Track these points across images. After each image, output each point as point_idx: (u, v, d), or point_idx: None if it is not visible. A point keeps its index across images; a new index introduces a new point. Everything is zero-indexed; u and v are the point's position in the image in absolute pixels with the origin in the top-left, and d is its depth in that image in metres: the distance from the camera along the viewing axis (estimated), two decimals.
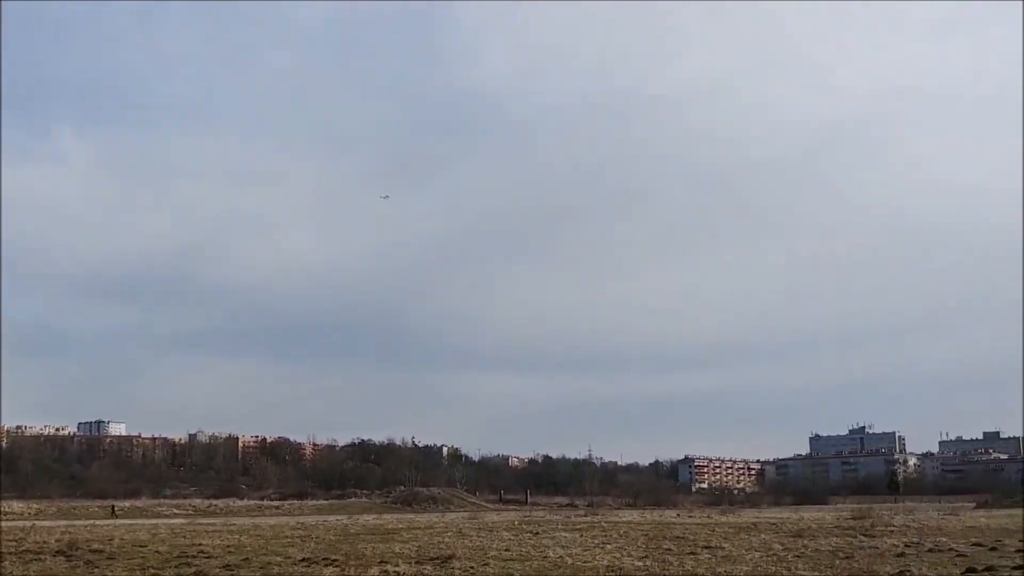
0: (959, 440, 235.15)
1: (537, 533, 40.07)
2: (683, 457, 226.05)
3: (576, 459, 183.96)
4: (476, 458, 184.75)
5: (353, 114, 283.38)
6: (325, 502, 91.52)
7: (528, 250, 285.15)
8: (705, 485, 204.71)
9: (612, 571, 23.43)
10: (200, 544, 34.26)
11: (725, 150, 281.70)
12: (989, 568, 21.97)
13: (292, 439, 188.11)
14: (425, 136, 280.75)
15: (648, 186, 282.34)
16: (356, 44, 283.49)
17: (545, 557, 27.53)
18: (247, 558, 28.21)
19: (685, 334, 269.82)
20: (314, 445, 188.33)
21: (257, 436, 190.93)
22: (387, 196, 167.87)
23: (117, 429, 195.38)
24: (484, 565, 25.04)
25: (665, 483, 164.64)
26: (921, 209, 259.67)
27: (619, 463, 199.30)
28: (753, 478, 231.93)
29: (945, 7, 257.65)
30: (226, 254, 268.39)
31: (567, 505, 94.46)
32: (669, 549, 30.32)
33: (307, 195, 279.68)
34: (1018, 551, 27.22)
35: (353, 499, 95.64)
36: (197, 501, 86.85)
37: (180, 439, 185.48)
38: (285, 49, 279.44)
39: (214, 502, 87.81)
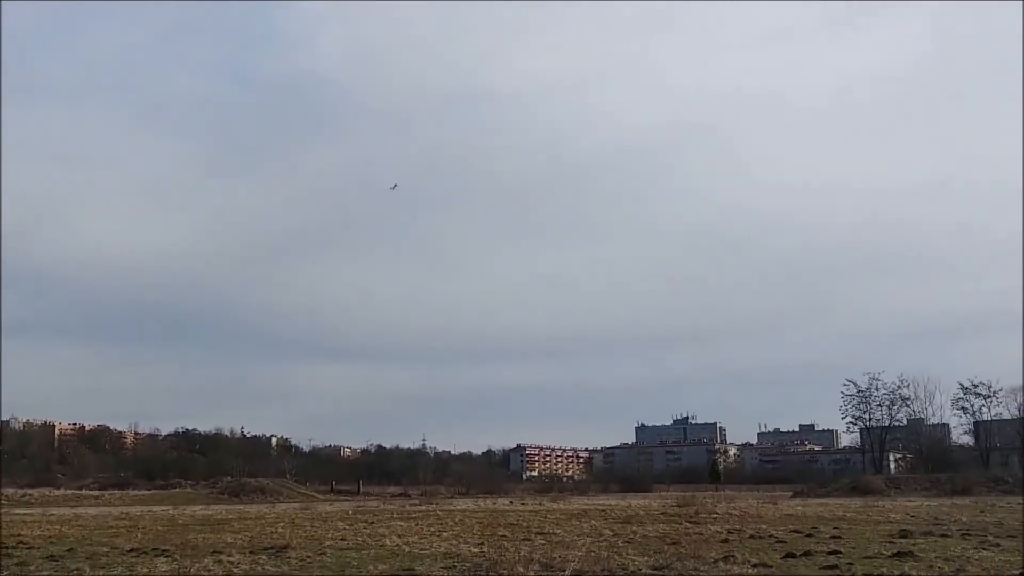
0: (776, 432, 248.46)
1: (372, 522, 39.92)
2: (515, 446, 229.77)
3: (409, 449, 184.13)
4: (307, 449, 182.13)
5: (186, 95, 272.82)
6: (148, 492, 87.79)
7: (364, 241, 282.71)
8: (536, 473, 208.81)
9: (450, 558, 23.67)
10: (20, 535, 32.45)
11: (562, 147, 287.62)
12: (806, 553, 23.42)
13: (112, 427, 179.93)
14: (261, 121, 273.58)
15: (483, 181, 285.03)
16: (190, 23, 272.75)
17: (382, 545, 27.51)
18: (71, 548, 26.96)
19: (518, 328, 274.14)
20: (136, 434, 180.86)
21: (75, 424, 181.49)
22: (395, 186, 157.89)
23: None
24: (320, 554, 24.78)
25: (497, 471, 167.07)
26: (749, 214, 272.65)
27: (452, 452, 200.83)
28: (582, 466, 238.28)
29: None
30: (46, 237, 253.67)
31: (401, 495, 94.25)
32: (504, 535, 30.88)
33: (137, 178, 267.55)
34: (832, 537, 29.19)
35: (178, 489, 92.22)
36: (11, 490, 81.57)
37: None
38: (116, 25, 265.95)
39: (29, 491, 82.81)
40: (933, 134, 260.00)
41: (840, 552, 23.80)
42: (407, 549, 26.25)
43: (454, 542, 28.13)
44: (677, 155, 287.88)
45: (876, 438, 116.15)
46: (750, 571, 20.52)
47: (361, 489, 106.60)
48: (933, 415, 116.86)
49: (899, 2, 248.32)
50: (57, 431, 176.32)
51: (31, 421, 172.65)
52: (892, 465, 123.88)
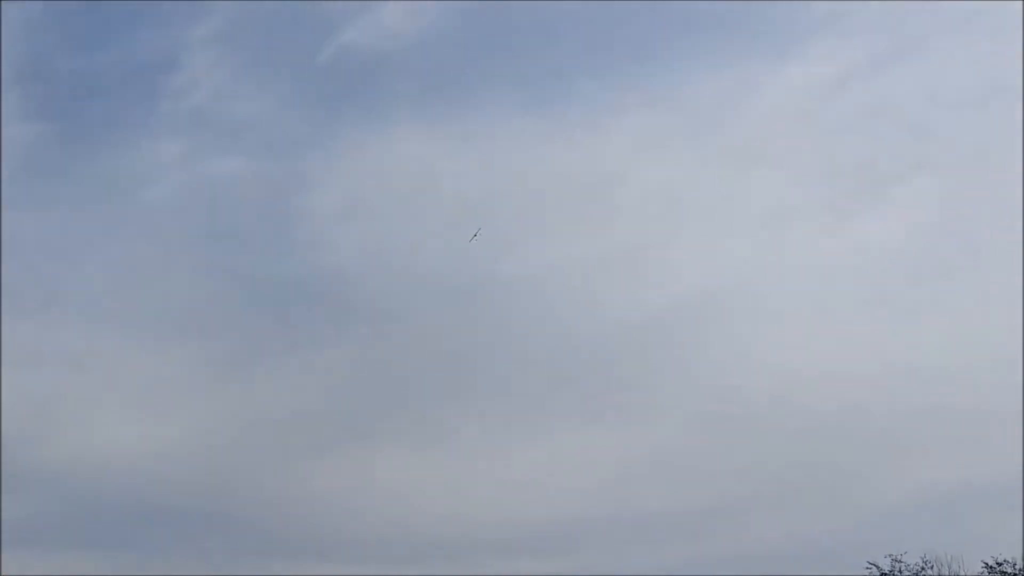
0: None
1: None
2: None
3: None
4: None
5: (198, 298, 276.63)
6: None
7: (372, 435, 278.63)
8: None
9: None
10: None
11: (574, 331, 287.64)
12: None
13: None
14: (272, 319, 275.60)
15: (492, 368, 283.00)
16: (208, 228, 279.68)
17: None
18: None
19: (528, 519, 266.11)
20: None
21: None
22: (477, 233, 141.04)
23: None
24: None
25: None
26: (758, 392, 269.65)
27: None
28: None
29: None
30: (47, 439, 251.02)
31: None
32: None
33: (142, 379, 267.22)
34: None
35: None
36: None
37: None
38: (129, 238, 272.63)
39: None
40: (943, 309, 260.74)
41: None
42: None
43: None
44: (689, 334, 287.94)
45: None
46: None
47: None
48: None
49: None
50: None
51: None
52: None
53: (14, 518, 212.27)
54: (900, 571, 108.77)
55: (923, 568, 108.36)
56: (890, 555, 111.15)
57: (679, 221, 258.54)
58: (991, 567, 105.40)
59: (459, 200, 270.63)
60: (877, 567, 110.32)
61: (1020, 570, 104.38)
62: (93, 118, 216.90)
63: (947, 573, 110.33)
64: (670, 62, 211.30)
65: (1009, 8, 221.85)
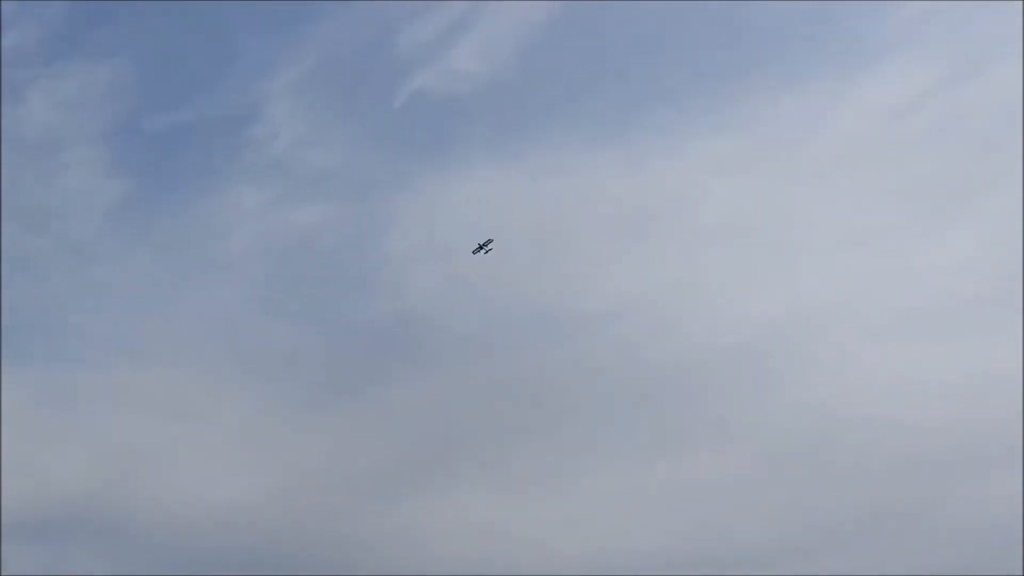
0: None
1: None
2: None
3: None
4: None
5: (281, 344, 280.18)
6: None
7: (454, 471, 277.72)
8: None
9: None
10: None
11: (645, 362, 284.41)
12: None
13: None
14: (355, 360, 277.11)
15: (571, 401, 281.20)
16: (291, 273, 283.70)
17: None
18: None
19: (602, 551, 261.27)
20: None
21: None
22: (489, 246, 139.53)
23: None
24: None
25: None
26: (833, 418, 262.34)
27: None
28: None
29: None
30: (138, 492, 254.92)
31: None
32: None
33: (229, 425, 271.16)
34: None
35: None
36: None
37: None
38: (213, 286, 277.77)
39: None
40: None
41: None
42: None
43: None
44: (774, 359, 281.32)
45: None
46: None
47: None
48: None
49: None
50: None
51: None
52: None
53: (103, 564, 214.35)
54: None
55: None
56: None
57: (756, 246, 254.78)
58: None
59: (536, 235, 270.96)
60: None
61: None
62: (178, 171, 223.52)
63: None
64: (743, 87, 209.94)
65: None
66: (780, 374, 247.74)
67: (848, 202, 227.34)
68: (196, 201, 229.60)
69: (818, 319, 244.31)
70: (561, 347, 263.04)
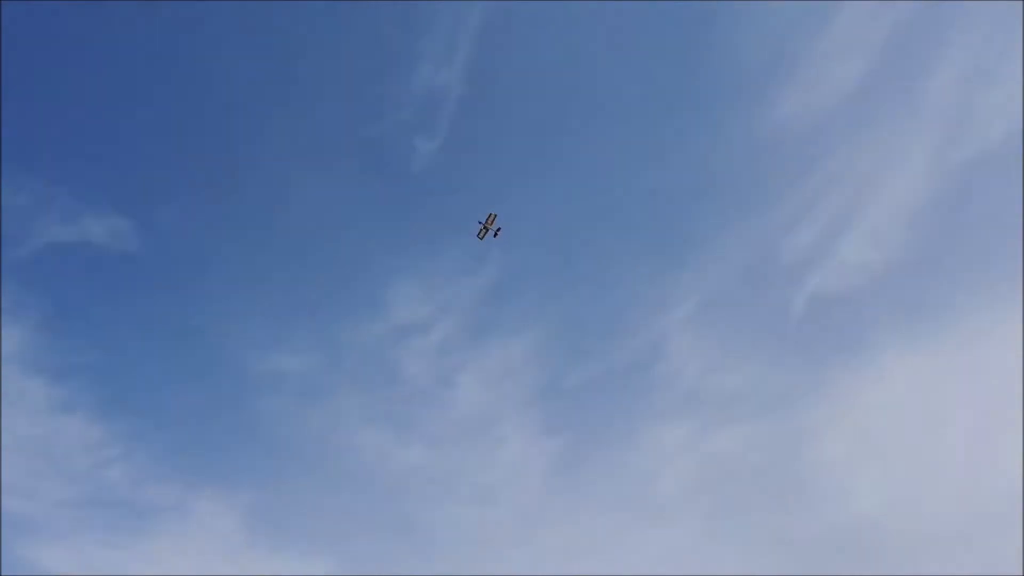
0: None
1: None
2: None
3: None
4: None
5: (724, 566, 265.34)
6: None
7: None
8: None
9: None
10: None
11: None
12: None
13: None
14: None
15: None
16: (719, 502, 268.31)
17: None
18: None
19: None
20: None
21: None
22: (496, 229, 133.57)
23: None
24: None
25: None
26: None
27: None
28: None
29: None
30: None
31: None
32: None
33: None
34: None
35: None
36: None
37: None
38: (646, 528, 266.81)
39: None
40: None
41: None
42: None
43: None
44: None
45: None
46: None
47: None
48: None
49: None
50: None
51: None
52: None
53: None
54: None
55: None
56: None
57: None
58: None
59: (973, 423, 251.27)
60: None
61: None
62: (598, 423, 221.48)
63: None
64: None
65: None
66: None
67: None
68: (621, 447, 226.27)
69: None
70: None
